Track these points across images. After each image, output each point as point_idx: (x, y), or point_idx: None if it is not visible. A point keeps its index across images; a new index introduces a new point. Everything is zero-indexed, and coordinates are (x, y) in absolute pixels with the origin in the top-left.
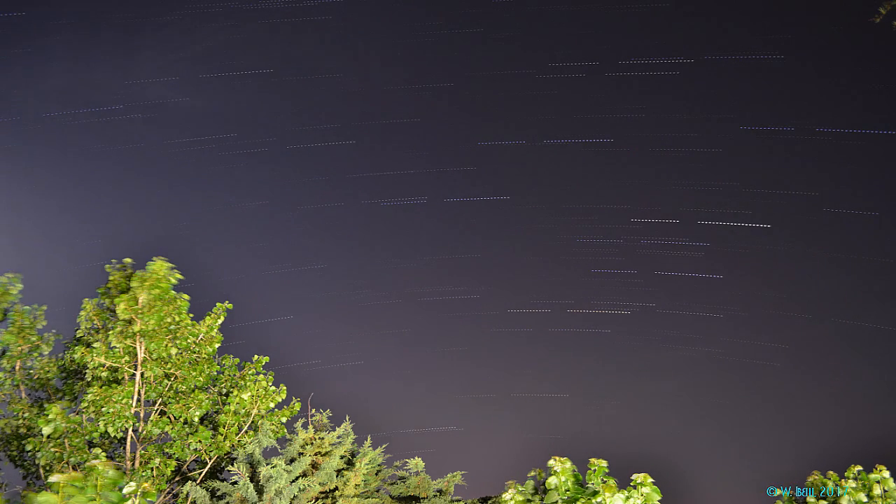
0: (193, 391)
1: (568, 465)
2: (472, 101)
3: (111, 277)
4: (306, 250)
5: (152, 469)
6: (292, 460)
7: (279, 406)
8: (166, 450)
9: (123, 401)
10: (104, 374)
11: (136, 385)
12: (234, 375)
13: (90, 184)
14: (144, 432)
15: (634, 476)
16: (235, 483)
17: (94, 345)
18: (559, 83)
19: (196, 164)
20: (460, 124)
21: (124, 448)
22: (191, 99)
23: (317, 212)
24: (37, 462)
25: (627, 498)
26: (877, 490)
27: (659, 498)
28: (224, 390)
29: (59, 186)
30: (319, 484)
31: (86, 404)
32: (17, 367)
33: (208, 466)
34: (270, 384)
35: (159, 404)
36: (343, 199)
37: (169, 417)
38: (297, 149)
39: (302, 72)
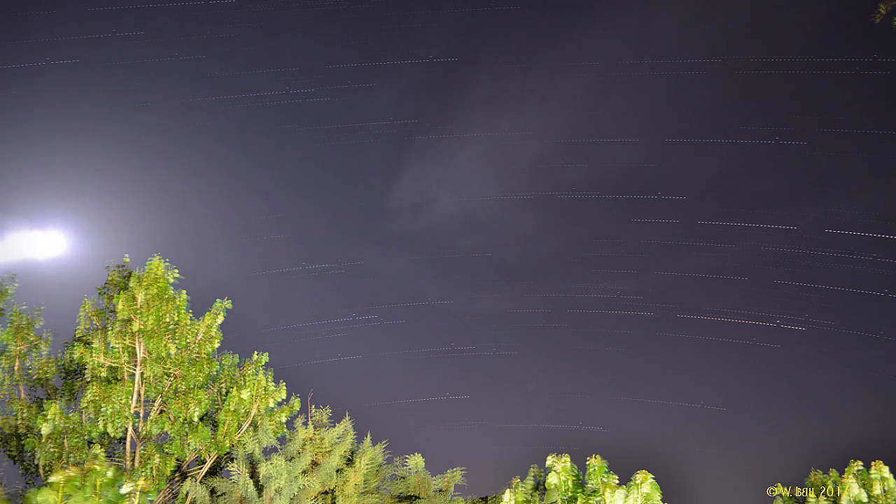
0: (193, 390)
1: (568, 463)
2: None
3: (109, 276)
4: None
5: (152, 468)
6: (292, 459)
7: (279, 404)
8: (166, 448)
9: (123, 400)
10: (103, 374)
11: (136, 384)
12: (234, 374)
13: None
14: (144, 431)
15: (635, 474)
16: (235, 481)
17: (94, 344)
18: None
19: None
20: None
21: (124, 447)
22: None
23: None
24: (36, 462)
25: (627, 496)
26: (877, 489)
27: (659, 496)
28: (224, 389)
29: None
30: (319, 482)
31: (85, 404)
32: (15, 367)
33: (208, 465)
34: (270, 382)
35: (159, 403)
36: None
37: (168, 416)
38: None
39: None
